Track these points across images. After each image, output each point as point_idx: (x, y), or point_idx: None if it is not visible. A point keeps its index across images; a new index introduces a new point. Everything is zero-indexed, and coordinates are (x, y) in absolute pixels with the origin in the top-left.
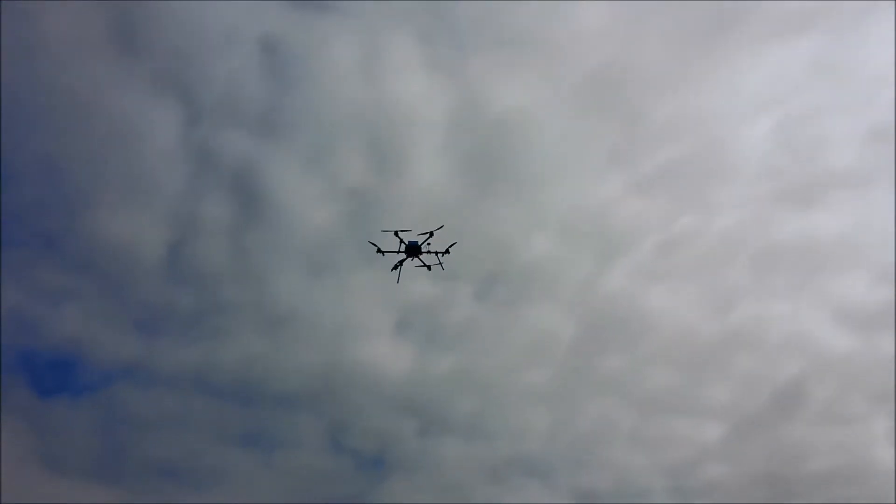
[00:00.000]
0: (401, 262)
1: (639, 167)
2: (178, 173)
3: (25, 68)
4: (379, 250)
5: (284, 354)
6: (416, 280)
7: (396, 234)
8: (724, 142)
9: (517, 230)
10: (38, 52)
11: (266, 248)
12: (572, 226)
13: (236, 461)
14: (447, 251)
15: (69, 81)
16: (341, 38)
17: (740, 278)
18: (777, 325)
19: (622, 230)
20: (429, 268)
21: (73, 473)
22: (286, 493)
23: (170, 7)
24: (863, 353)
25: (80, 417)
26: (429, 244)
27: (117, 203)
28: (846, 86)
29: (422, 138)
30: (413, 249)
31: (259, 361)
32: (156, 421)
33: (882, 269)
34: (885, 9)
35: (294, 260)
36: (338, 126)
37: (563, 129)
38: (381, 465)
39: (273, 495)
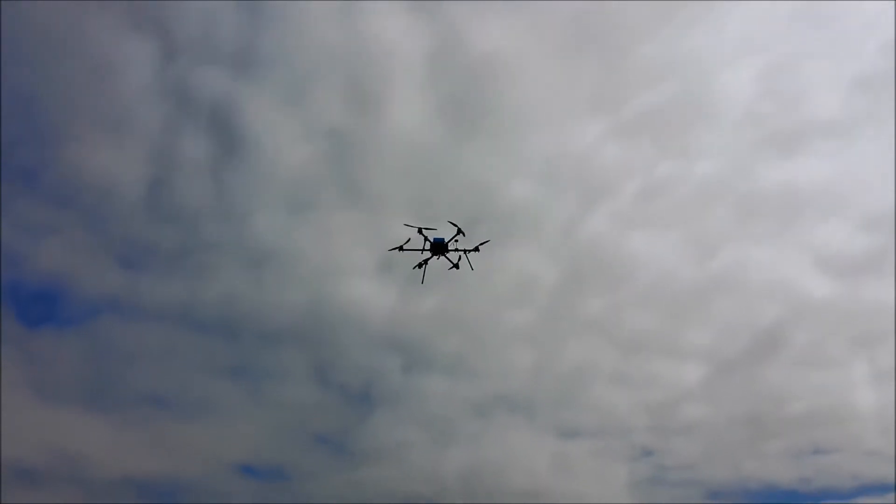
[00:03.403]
0: (426, 261)
1: (620, 112)
2: (156, 110)
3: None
4: (400, 248)
5: (268, 292)
6: (399, 221)
7: (420, 231)
8: (707, 87)
9: (498, 174)
10: None
11: (246, 187)
12: (553, 170)
13: (224, 393)
14: (476, 249)
15: (46, 18)
16: None
17: (722, 224)
18: (758, 271)
19: (603, 175)
20: (456, 266)
21: (62, 402)
22: (274, 425)
23: None
24: (844, 299)
25: (67, 348)
26: (457, 241)
27: (96, 139)
28: (831, 33)
29: (401, 80)
30: (439, 247)
31: (243, 298)
32: (142, 353)
33: (864, 217)
34: None
35: (275, 198)
36: (316, 65)
37: (544, 73)
38: (367, 400)
39: (261, 427)
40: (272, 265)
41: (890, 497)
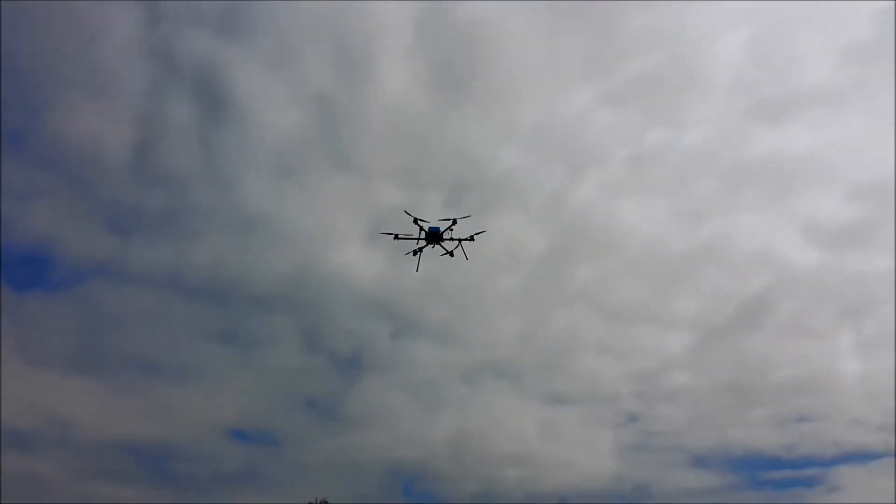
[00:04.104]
0: (420, 249)
1: (610, 79)
2: (141, 73)
3: None
4: (396, 236)
5: (256, 257)
6: (387, 188)
7: (416, 221)
8: (697, 55)
9: (486, 141)
10: None
11: (233, 152)
12: (542, 138)
13: (213, 358)
14: (471, 238)
15: None
16: None
17: (710, 193)
18: (746, 240)
19: (593, 143)
20: (451, 254)
21: (52, 366)
22: (264, 390)
23: None
24: (830, 268)
25: (56, 313)
26: (451, 230)
27: (82, 103)
28: (822, 1)
29: (389, 46)
30: (434, 236)
31: (231, 263)
32: (132, 318)
33: (852, 187)
34: None
35: (262, 164)
36: (303, 29)
37: (533, 40)
38: (356, 366)
39: (251, 391)
40: (260, 230)
41: (873, 464)
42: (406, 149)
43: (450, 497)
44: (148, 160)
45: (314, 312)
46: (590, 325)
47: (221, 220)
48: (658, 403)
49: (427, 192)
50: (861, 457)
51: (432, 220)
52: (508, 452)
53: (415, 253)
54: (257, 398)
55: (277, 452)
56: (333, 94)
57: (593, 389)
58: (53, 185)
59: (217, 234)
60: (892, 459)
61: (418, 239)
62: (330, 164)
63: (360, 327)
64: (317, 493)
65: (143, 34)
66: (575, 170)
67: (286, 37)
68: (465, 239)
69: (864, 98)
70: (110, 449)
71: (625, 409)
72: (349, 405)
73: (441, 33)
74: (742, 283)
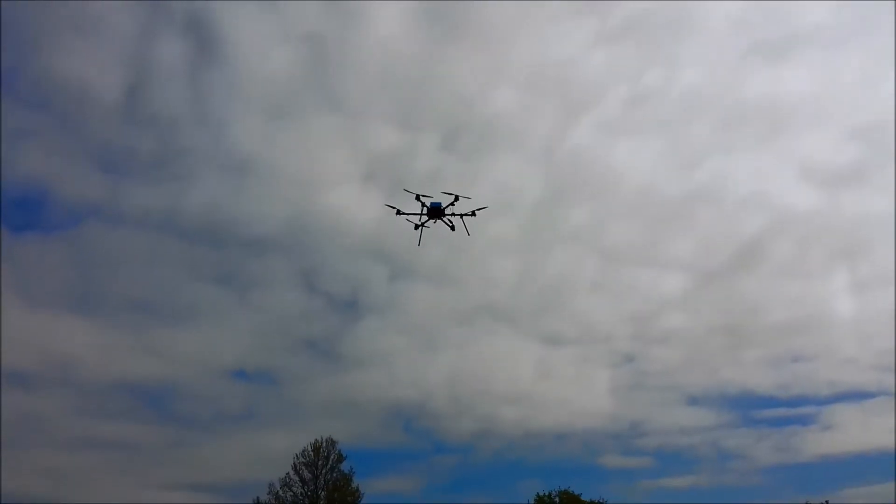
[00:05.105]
0: (423, 224)
1: (606, 19)
2: (131, 13)
3: None
4: (399, 212)
5: (251, 199)
6: (381, 130)
7: (418, 197)
8: None
9: (480, 82)
10: None
11: (224, 92)
12: (537, 78)
13: (211, 300)
14: (473, 213)
15: None
16: None
17: (706, 134)
18: (742, 182)
19: (587, 84)
20: (452, 227)
21: (51, 307)
22: (262, 331)
23: None
24: (826, 210)
25: (53, 254)
26: (453, 205)
27: (70, 43)
28: None
29: None
30: (435, 212)
31: (225, 205)
32: (128, 259)
33: (849, 129)
34: None
35: (254, 105)
36: None
37: None
38: (353, 307)
39: (249, 332)
40: (253, 172)
41: (869, 403)
42: (399, 89)
43: (449, 435)
44: (139, 101)
45: (311, 255)
46: (585, 267)
47: (214, 161)
48: (653, 344)
49: (422, 133)
50: (856, 396)
51: (436, 196)
52: (505, 392)
53: (417, 227)
54: (256, 339)
55: (277, 392)
56: (325, 33)
57: (589, 331)
58: (46, 126)
59: (211, 176)
60: (889, 399)
61: (420, 214)
62: (323, 105)
63: (357, 270)
64: (317, 432)
65: None
66: (570, 111)
67: None
68: (467, 214)
69: (863, 38)
70: (112, 388)
71: (620, 349)
72: (348, 346)
73: None
74: (737, 225)
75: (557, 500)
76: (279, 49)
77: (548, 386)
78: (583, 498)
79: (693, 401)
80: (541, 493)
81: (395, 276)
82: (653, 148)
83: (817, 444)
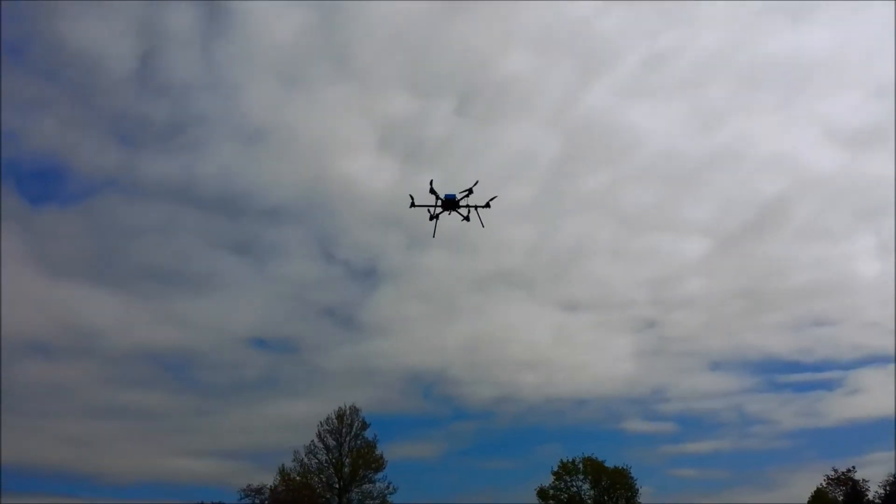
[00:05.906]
0: (436, 216)
1: None
2: None
3: None
4: (413, 204)
5: (266, 168)
6: (395, 96)
7: (432, 189)
8: None
9: (492, 44)
10: None
11: (236, 60)
12: (552, 40)
13: (229, 269)
14: (487, 205)
15: None
16: None
17: (725, 95)
18: (762, 143)
19: (604, 45)
20: (467, 219)
21: (71, 278)
22: (281, 299)
23: None
24: (848, 170)
25: (71, 225)
26: (467, 196)
27: (82, 11)
28: None
29: None
30: (450, 203)
31: (240, 174)
32: (146, 229)
33: (871, 88)
34: None
35: (266, 72)
36: None
37: None
38: (371, 275)
39: (268, 301)
40: (268, 140)
41: (890, 368)
42: (412, 53)
43: (469, 401)
44: (151, 70)
45: (327, 223)
46: (603, 232)
47: (229, 129)
48: (674, 309)
49: (435, 98)
50: (881, 360)
51: (452, 189)
52: (524, 358)
53: (432, 218)
54: (275, 308)
55: (297, 360)
56: None
57: (608, 296)
58: (60, 97)
59: (225, 145)
60: None
61: (435, 206)
62: (335, 71)
63: (374, 238)
64: (337, 399)
65: None
66: (585, 73)
67: None
68: (482, 206)
69: None
70: (132, 357)
71: (641, 315)
72: (366, 314)
73: None
74: (758, 187)
75: (581, 466)
76: (290, 14)
77: (567, 351)
78: (606, 465)
79: (715, 366)
80: (564, 460)
81: (411, 244)
82: (671, 110)
83: (843, 408)
